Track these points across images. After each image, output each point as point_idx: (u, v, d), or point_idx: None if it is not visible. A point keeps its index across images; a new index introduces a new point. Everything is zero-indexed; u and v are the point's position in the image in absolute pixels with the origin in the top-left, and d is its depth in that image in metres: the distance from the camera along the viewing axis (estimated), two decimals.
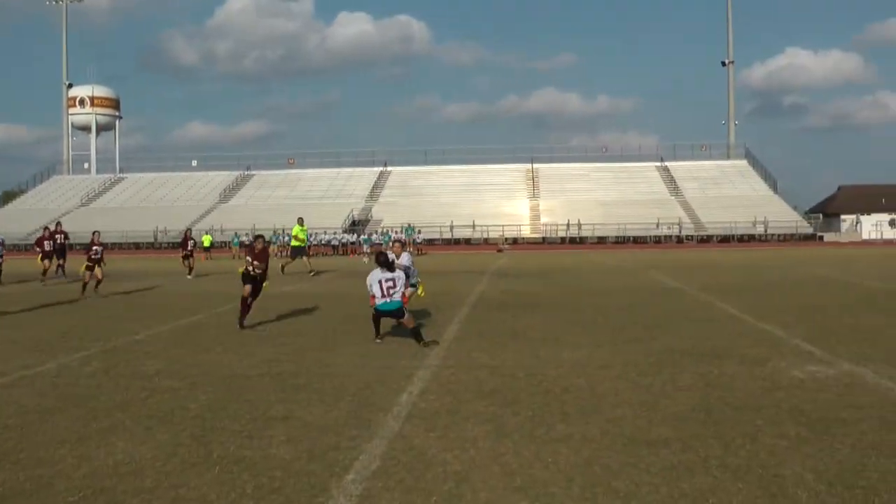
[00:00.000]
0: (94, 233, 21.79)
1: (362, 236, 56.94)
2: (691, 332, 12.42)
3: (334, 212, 76.23)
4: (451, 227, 71.55)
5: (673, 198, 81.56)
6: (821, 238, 71.29)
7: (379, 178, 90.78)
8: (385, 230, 61.48)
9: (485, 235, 70.19)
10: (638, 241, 68.89)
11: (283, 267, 27.04)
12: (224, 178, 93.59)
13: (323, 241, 55.54)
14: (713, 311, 15.35)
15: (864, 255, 42.40)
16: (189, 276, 26.46)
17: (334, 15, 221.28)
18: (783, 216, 75.03)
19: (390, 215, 75.16)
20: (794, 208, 79.05)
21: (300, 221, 28.30)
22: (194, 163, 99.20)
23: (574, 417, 7.21)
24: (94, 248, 20.92)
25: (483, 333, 12.51)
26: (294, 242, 27.91)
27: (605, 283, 23.57)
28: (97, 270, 20.56)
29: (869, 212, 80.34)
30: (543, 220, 75.77)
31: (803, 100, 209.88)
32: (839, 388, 8.31)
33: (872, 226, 78.13)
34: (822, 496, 5.12)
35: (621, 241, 69.04)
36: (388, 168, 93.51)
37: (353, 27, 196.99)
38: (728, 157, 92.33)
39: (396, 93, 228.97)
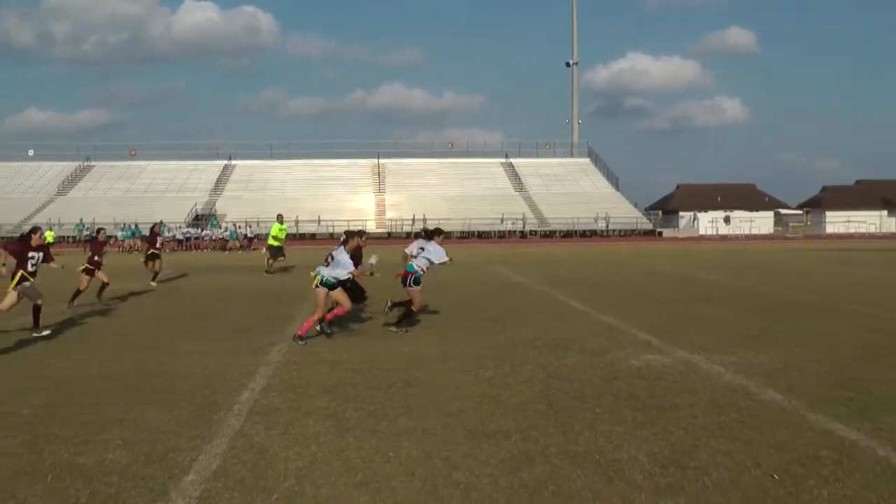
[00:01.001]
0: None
1: (229, 230, 55.68)
2: (533, 325, 12.82)
3: (178, 206, 73.85)
4: (297, 222, 70.82)
5: (517, 194, 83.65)
6: (660, 234, 74.90)
7: (223, 172, 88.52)
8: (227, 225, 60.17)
9: (330, 230, 69.80)
10: (483, 235, 70.38)
11: (267, 269, 26.14)
12: (62, 168, 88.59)
13: (169, 238, 53.75)
14: (555, 305, 15.88)
15: (700, 250, 44.87)
16: (153, 284, 21.59)
17: (180, 1, 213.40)
18: (624, 213, 78.44)
19: (235, 210, 73.59)
20: (635, 205, 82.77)
21: (279, 219, 27.69)
22: (31, 152, 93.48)
23: (415, 411, 7.32)
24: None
25: (333, 329, 12.46)
26: (272, 242, 27.07)
27: (449, 277, 23.90)
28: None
29: (706, 209, 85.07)
30: (389, 214, 76.09)
31: (644, 102, 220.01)
32: (674, 375, 8.81)
33: (709, 222, 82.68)
34: (657, 477, 5.42)
35: (466, 236, 70.22)
36: (233, 161, 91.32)
37: (198, 15, 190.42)
38: (571, 156, 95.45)
39: (242, 85, 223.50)
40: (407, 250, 13.30)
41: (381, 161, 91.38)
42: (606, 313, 14.20)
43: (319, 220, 72.18)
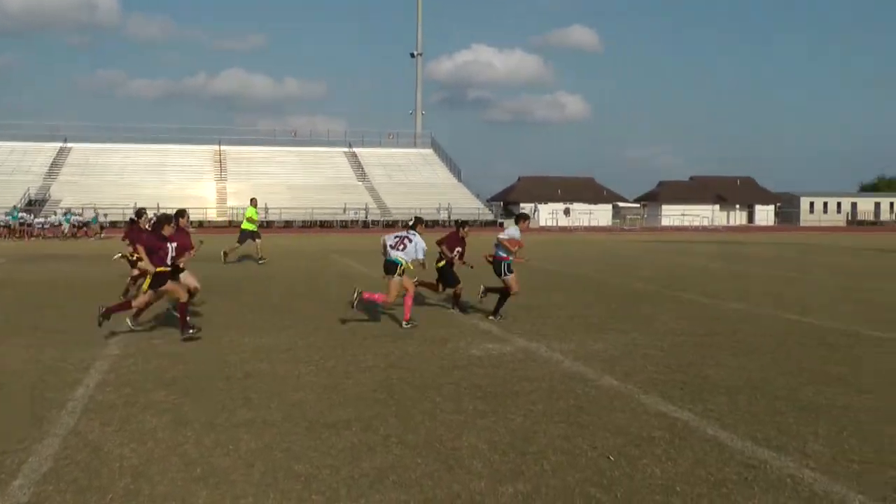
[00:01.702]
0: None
1: (63, 215, 52.61)
2: (375, 315, 12.82)
3: (8, 190, 69.55)
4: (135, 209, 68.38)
5: (360, 183, 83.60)
6: (501, 224, 76.58)
7: (58, 155, 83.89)
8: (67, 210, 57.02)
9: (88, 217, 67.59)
10: (325, 225, 70.03)
11: (225, 253, 24.18)
12: None
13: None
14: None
15: (541, 241, 46.09)
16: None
17: None
18: (466, 203, 79.76)
19: (71, 195, 69.82)
20: (477, 196, 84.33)
21: (253, 203, 26.11)
22: None
23: (256, 402, 7.20)
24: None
25: (165, 320, 12.07)
26: (247, 225, 25.37)
27: (290, 266, 23.63)
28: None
29: (546, 201, 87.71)
30: (230, 203, 74.50)
31: (488, 94, 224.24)
32: (514, 363, 9.03)
33: (549, 214, 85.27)
34: (496, 464, 5.52)
35: (308, 226, 69.67)
36: (69, 144, 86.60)
37: None
38: (415, 146, 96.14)
39: (79, 64, 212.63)
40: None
41: (223, 148, 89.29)
42: (446, 303, 14.36)
43: (159, 208, 69.70)
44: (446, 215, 74.80)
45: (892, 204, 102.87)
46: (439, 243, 13.80)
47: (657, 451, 5.82)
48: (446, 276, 13.63)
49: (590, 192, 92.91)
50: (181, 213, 12.33)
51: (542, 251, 33.85)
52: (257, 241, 25.64)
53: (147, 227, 14.86)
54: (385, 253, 12.13)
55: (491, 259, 12.73)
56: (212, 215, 72.21)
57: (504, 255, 12.59)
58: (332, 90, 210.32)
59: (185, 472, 5.39)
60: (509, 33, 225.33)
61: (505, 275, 12.54)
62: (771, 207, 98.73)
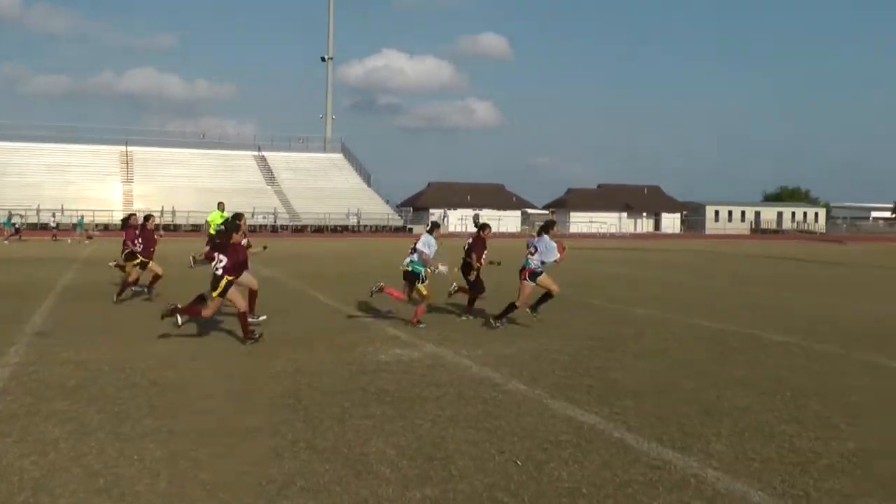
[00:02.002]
0: None
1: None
2: (283, 320, 12.70)
3: None
4: (38, 211, 65.98)
5: (269, 187, 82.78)
6: (410, 230, 76.68)
7: None
8: None
9: (74, 220, 65.52)
10: None
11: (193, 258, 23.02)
12: None
13: None
14: (306, 300, 15.83)
15: (449, 247, 46.30)
16: (145, 292, 16.71)
17: None
18: (376, 208, 79.75)
19: None
20: (387, 202, 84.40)
21: (220, 207, 24.99)
22: None
23: (162, 411, 7.05)
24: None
25: (70, 326, 11.74)
26: (213, 230, 24.24)
27: (198, 272, 23.16)
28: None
29: (455, 207, 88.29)
30: (137, 205, 72.55)
31: (398, 100, 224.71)
32: (422, 368, 9.05)
33: (458, 220, 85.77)
34: (404, 469, 5.53)
35: None
36: None
37: None
38: (325, 151, 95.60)
39: None
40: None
41: (130, 149, 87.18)
42: (356, 308, 14.32)
43: (63, 209, 67.53)
44: (356, 220, 74.58)
45: (793, 213, 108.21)
46: (469, 253, 14.04)
47: (564, 454, 5.91)
48: (473, 283, 13.84)
49: (499, 198, 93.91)
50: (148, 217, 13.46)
51: (452, 257, 34.00)
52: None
53: (160, 231, 14.90)
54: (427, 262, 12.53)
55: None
56: (117, 218, 70.43)
57: (534, 265, 12.52)
58: (243, 93, 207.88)
59: (87, 483, 5.24)
60: (421, 39, 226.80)
61: (524, 280, 12.55)
62: (677, 215, 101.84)
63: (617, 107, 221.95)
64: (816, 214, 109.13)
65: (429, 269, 12.31)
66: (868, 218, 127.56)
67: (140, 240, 15.88)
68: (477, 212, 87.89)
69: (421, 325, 12.23)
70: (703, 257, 37.86)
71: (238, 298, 10.80)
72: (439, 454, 5.88)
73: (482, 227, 14.29)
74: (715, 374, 9.04)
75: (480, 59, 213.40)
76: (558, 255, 12.64)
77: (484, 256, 13.79)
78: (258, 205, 74.09)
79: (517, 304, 12.44)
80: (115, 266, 16.81)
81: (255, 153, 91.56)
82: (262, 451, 5.92)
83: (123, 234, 16.16)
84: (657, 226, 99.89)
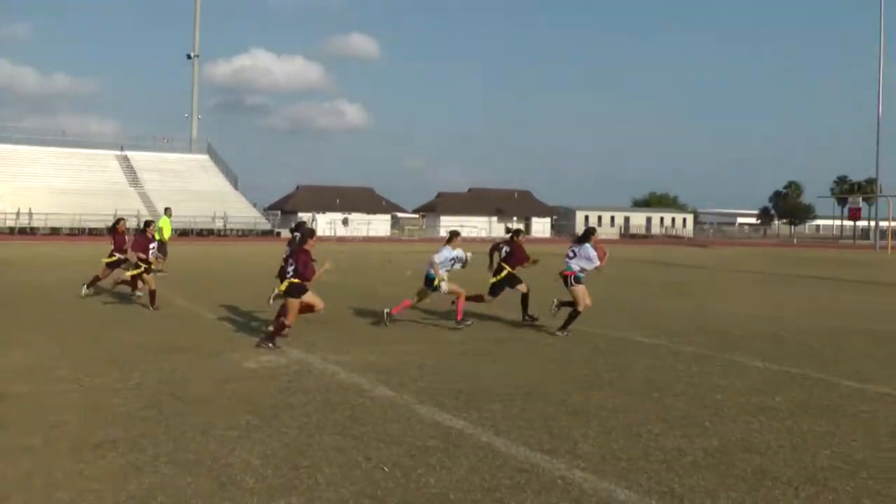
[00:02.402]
0: None
1: None
2: (147, 328, 12.36)
3: None
4: None
5: (133, 189, 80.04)
6: (278, 234, 75.61)
7: None
8: None
9: None
10: (94, 232, 66.26)
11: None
12: None
13: None
14: (169, 306, 15.40)
15: (323, 251, 45.91)
16: (138, 293, 16.51)
17: None
18: (243, 212, 78.33)
19: None
20: (254, 205, 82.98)
21: (168, 213, 23.05)
22: None
23: (14, 428, 6.72)
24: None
25: None
26: (160, 237, 22.34)
27: (58, 277, 22.26)
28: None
29: (324, 210, 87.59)
30: None
31: (266, 101, 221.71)
32: (289, 375, 8.97)
33: (327, 224, 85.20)
34: (269, 479, 5.47)
35: (77, 233, 65.83)
36: None
37: None
38: (190, 151, 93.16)
39: None
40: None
41: None
42: (219, 313, 14.06)
43: None
44: (222, 224, 73.08)
45: (661, 218, 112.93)
46: (512, 264, 13.80)
47: (431, 460, 5.97)
48: (500, 289, 13.79)
49: (369, 202, 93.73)
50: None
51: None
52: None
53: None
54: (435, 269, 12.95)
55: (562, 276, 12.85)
56: None
57: (576, 269, 12.72)
58: (105, 89, 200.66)
59: None
60: (289, 39, 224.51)
61: (572, 285, 12.67)
62: (547, 220, 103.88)
63: (487, 111, 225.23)
64: (684, 220, 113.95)
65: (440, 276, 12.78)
66: (734, 224, 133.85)
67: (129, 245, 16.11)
68: (346, 215, 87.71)
69: (467, 323, 12.96)
70: None
71: (314, 298, 11.30)
72: (305, 462, 5.84)
73: (516, 233, 14.34)
74: (584, 376, 9.31)
75: (350, 61, 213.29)
76: (599, 263, 12.89)
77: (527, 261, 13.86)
78: (120, 207, 71.42)
79: (579, 309, 12.63)
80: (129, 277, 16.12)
81: (118, 153, 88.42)
82: (122, 465, 5.74)
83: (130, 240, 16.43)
84: (528, 230, 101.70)
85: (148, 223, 17.15)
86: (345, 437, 6.52)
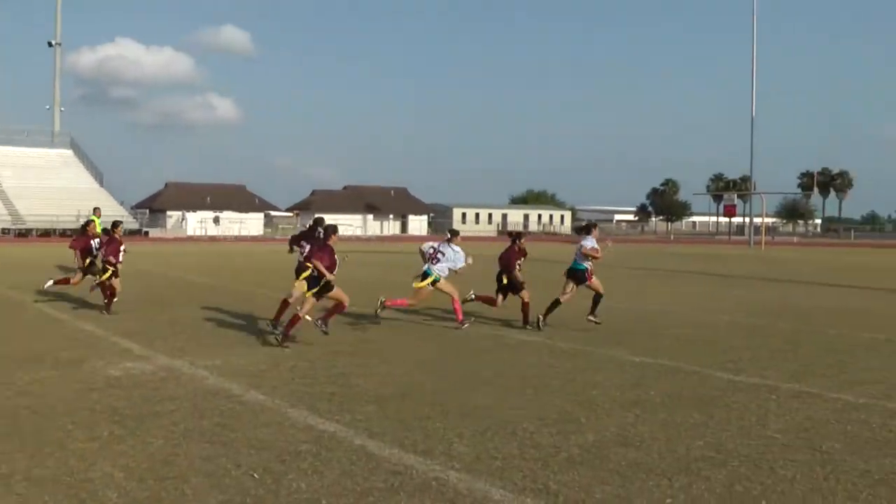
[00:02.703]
0: None
1: None
2: (2, 336, 11.76)
3: None
4: None
5: None
6: (146, 233, 73.44)
7: None
8: None
9: None
10: None
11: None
12: None
13: None
14: (27, 312, 14.74)
15: (188, 251, 44.85)
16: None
17: None
18: (109, 210, 75.28)
19: None
20: (121, 203, 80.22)
21: (97, 212, 20.87)
22: None
23: None
24: None
25: None
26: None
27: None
28: None
29: (195, 209, 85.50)
30: None
31: (133, 93, 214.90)
32: (155, 382, 8.69)
33: (198, 223, 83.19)
34: (133, 492, 5.28)
35: None
36: None
37: None
38: (52, 146, 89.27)
39: None
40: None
41: None
42: (84, 320, 13.54)
43: None
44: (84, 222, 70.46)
45: (539, 216, 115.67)
46: (509, 268, 13.88)
47: (303, 465, 5.88)
48: (510, 286, 13.90)
49: (240, 200, 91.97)
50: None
51: (189, 262, 32.96)
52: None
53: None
54: (424, 261, 13.20)
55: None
56: None
57: (588, 265, 13.28)
58: None
59: None
60: (158, 29, 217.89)
61: (589, 280, 13.25)
62: (424, 218, 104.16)
63: (363, 107, 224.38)
64: (562, 217, 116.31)
65: (436, 273, 12.93)
66: (612, 221, 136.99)
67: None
68: (217, 214, 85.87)
69: (465, 326, 13.06)
70: None
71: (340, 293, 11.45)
72: (172, 473, 5.66)
73: (518, 236, 14.54)
74: (460, 374, 9.38)
75: (222, 54, 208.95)
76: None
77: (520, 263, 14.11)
78: None
79: (601, 292, 13.38)
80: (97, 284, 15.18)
81: None
82: None
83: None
84: (404, 228, 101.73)
85: (88, 223, 16.89)
86: (213, 444, 6.36)
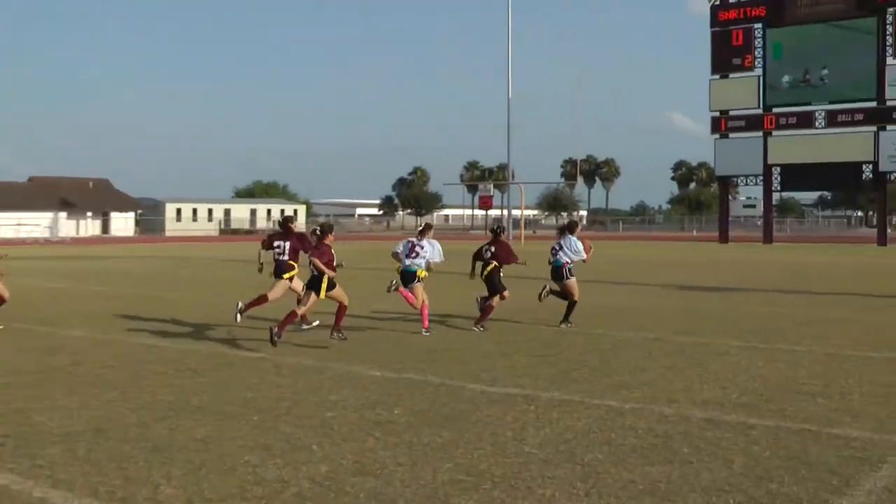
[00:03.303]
0: None
1: None
2: None
3: None
4: None
5: None
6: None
7: None
8: None
9: None
10: None
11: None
12: None
13: None
14: None
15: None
16: None
17: None
18: None
19: None
20: None
21: None
22: None
23: None
24: None
25: None
26: None
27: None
28: None
29: None
30: None
31: None
32: None
33: None
34: None
35: None
36: None
37: None
38: None
39: None
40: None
41: None
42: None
43: None
44: None
45: (269, 211, 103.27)
46: (499, 261, 13.53)
47: None
48: (493, 284, 13.51)
49: None
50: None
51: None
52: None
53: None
54: (400, 262, 12.75)
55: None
56: None
57: (566, 261, 13.39)
58: None
59: None
60: None
61: (567, 278, 13.39)
62: (131, 215, 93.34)
63: (50, 87, 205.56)
64: (295, 211, 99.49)
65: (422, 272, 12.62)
66: (353, 215, 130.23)
67: None
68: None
69: (426, 333, 12.53)
70: (166, 264, 35.56)
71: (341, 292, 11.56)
72: None
73: (501, 231, 14.59)
74: (167, 402, 8.18)
75: None
76: (585, 255, 13.55)
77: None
78: None
79: (575, 299, 13.38)
80: None
81: None
82: None
83: None
84: (106, 227, 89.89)
85: None
86: None
